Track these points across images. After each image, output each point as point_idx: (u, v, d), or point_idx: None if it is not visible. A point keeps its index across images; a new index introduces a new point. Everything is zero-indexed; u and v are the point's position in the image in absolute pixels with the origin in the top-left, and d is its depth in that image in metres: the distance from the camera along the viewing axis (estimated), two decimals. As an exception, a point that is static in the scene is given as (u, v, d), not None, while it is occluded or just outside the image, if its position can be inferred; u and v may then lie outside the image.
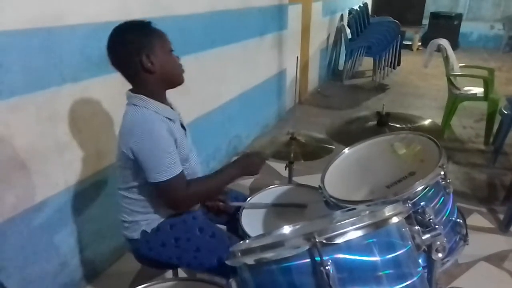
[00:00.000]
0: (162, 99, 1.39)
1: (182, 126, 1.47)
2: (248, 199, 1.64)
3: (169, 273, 1.85)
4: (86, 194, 1.96)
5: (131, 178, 1.37)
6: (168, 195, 1.33)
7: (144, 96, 1.33)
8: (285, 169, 2.11)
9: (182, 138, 1.40)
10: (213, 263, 1.37)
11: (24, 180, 1.64)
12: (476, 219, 2.62)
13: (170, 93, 1.44)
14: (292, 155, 1.98)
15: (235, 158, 1.55)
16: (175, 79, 1.40)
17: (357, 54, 6.22)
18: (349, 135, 1.86)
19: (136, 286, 1.20)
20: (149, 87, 1.34)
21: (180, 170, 1.32)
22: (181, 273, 1.67)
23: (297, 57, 4.47)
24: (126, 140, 1.29)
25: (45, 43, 1.64)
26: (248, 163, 1.50)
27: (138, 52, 1.29)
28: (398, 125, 1.83)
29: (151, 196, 1.39)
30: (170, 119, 1.36)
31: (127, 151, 1.29)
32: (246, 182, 3.10)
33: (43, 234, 1.77)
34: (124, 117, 1.34)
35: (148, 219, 1.43)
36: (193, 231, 1.43)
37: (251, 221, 1.50)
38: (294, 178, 2.20)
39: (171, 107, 1.44)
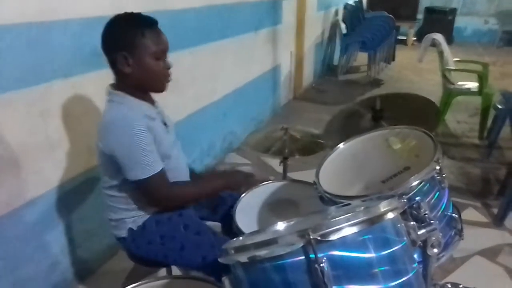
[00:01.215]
0: (142, 96, 1.36)
1: (164, 123, 1.43)
2: (242, 195, 1.62)
3: (162, 271, 1.83)
4: (78, 191, 1.93)
5: (112, 176, 1.35)
6: (149, 193, 1.31)
7: (121, 92, 1.31)
8: (280, 165, 2.10)
9: (162, 135, 1.36)
10: (198, 261, 1.36)
11: (15, 177, 1.62)
12: (471, 214, 2.62)
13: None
14: (286, 150, 1.96)
15: (226, 167, 1.53)
16: (151, 87, 1.36)
17: (352, 49, 6.21)
18: (344, 129, 1.85)
19: (129, 285, 1.18)
20: (127, 84, 1.32)
21: (160, 168, 1.29)
22: (175, 270, 1.66)
23: (291, 52, 4.45)
24: (103, 138, 1.27)
25: (37, 38, 1.61)
26: (235, 179, 1.49)
27: (118, 49, 1.26)
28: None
29: (133, 193, 1.37)
30: (148, 116, 1.32)
31: (105, 148, 1.27)
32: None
33: (35, 233, 1.75)
34: (103, 114, 1.32)
35: (133, 216, 1.41)
36: (178, 228, 1.41)
37: (245, 218, 1.49)
38: (289, 174, 2.19)
39: (153, 104, 1.41)
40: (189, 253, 1.38)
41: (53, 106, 1.74)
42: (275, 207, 1.58)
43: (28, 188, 1.68)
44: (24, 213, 1.67)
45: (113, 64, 1.30)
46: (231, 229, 1.49)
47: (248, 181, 1.53)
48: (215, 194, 1.49)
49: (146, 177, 1.25)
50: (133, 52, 1.26)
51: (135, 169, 1.25)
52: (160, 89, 1.37)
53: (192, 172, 1.58)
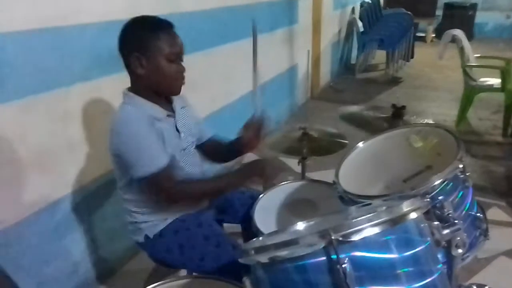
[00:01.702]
0: (155, 99, 1.36)
1: (177, 129, 1.42)
2: (261, 195, 1.62)
3: (183, 271, 1.84)
4: (99, 193, 1.96)
5: (121, 177, 1.36)
6: (154, 189, 1.27)
7: (132, 94, 1.33)
8: (298, 165, 2.09)
9: (170, 138, 1.35)
10: (218, 272, 1.33)
11: (38, 180, 1.65)
12: (495, 213, 2.55)
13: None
14: (305, 150, 1.95)
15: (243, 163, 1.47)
16: (164, 88, 1.36)
17: (369, 47, 6.13)
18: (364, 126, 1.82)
19: (151, 284, 1.19)
20: (141, 86, 1.33)
21: (165, 162, 1.25)
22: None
23: (308, 51, 4.42)
24: (110, 138, 1.29)
25: (55, 43, 1.64)
26: (252, 168, 1.40)
27: (132, 51, 1.27)
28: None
29: (141, 194, 1.35)
30: (152, 116, 1.31)
31: (112, 149, 1.29)
32: (259, 178, 3.08)
33: (58, 234, 1.78)
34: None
35: (147, 221, 1.40)
36: (198, 238, 1.39)
37: (265, 218, 1.48)
38: (307, 174, 2.17)
39: (165, 106, 1.39)
40: (209, 264, 1.36)
41: (73, 109, 1.77)
42: (294, 208, 1.57)
43: (51, 190, 1.71)
44: (46, 215, 1.70)
45: (128, 66, 1.31)
46: (251, 230, 1.48)
47: (265, 172, 1.39)
48: (231, 190, 1.43)
49: (148, 174, 1.23)
50: (146, 54, 1.27)
51: (137, 166, 1.23)
52: (173, 91, 1.37)
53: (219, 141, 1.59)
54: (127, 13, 1.75)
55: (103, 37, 1.82)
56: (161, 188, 1.26)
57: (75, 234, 1.87)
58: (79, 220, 1.88)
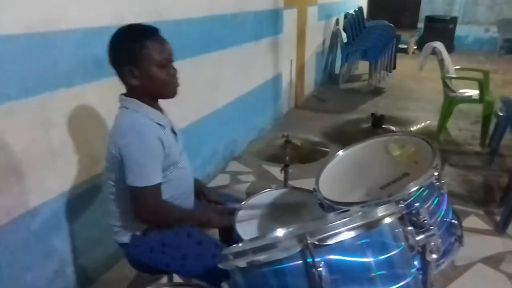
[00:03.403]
0: (153, 104, 1.39)
1: (173, 131, 1.47)
2: (243, 202, 1.63)
3: (164, 279, 1.83)
4: (80, 200, 1.94)
5: (118, 180, 1.36)
6: (139, 202, 1.32)
7: (135, 100, 1.34)
8: (281, 172, 2.11)
9: (172, 143, 1.40)
10: (199, 271, 1.36)
11: (18, 186, 1.63)
12: (473, 221, 2.61)
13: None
14: (287, 158, 1.97)
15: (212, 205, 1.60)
16: (161, 93, 1.38)
17: (353, 58, 6.24)
18: (344, 136, 1.85)
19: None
20: (138, 94, 1.35)
21: (158, 181, 1.31)
22: (177, 278, 1.66)
23: (291, 61, 4.47)
24: (115, 141, 1.30)
25: (39, 48, 1.63)
26: (210, 221, 1.48)
27: (123, 64, 1.30)
28: (392, 127, 1.84)
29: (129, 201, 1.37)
30: (160, 125, 1.36)
31: (116, 151, 1.29)
32: (242, 186, 3.10)
33: (37, 241, 1.75)
34: (115, 119, 1.35)
35: (136, 222, 1.42)
36: (181, 237, 1.42)
37: (246, 225, 1.49)
38: (290, 182, 2.19)
39: (162, 112, 1.44)
40: (191, 262, 1.38)
41: (56, 115, 1.75)
42: (276, 215, 1.58)
43: (31, 197, 1.69)
44: (26, 221, 1.68)
45: (122, 78, 1.34)
46: (230, 236, 1.49)
47: (222, 223, 1.51)
48: (193, 225, 1.48)
49: (143, 185, 1.28)
50: (137, 65, 1.29)
51: (134, 175, 1.27)
52: (171, 95, 1.39)
53: (195, 179, 1.59)
54: (112, 21, 1.76)
55: (87, 43, 1.82)
56: (146, 202, 1.31)
57: (55, 242, 1.85)
58: (58, 227, 1.86)
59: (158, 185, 1.32)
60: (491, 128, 3.70)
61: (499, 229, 2.51)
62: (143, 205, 1.32)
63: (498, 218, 2.60)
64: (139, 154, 1.27)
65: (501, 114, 3.33)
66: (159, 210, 1.35)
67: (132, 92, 1.36)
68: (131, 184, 1.28)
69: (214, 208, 1.56)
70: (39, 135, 1.69)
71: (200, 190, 1.64)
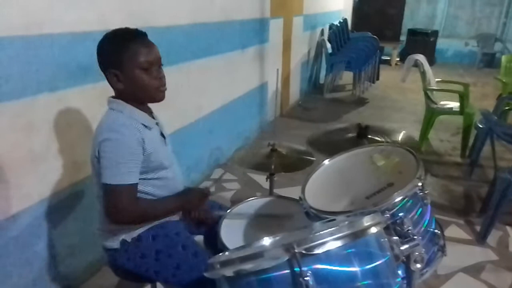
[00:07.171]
0: (140, 107, 1.38)
1: (162, 135, 1.46)
2: (228, 210, 1.62)
3: (148, 286, 1.80)
4: (62, 206, 1.90)
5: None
6: (111, 200, 1.26)
7: (121, 101, 1.34)
8: (266, 181, 2.11)
9: (159, 146, 1.39)
10: (192, 282, 1.34)
11: (-3, 192, 1.59)
12: (454, 231, 2.65)
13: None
14: (273, 166, 1.97)
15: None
16: (146, 98, 1.36)
17: (337, 68, 6.32)
18: (329, 146, 1.87)
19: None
20: (125, 97, 1.34)
21: (134, 182, 1.27)
22: (159, 286, 1.63)
23: (278, 70, 4.50)
24: (96, 139, 1.28)
25: (22, 52, 1.61)
26: (190, 197, 1.48)
27: (108, 68, 1.29)
28: (377, 138, 1.86)
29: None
30: (145, 126, 1.35)
31: (95, 150, 1.28)
32: (227, 194, 3.08)
33: (16, 248, 1.71)
34: (100, 119, 1.35)
35: (125, 227, 1.39)
36: (176, 247, 1.40)
37: (230, 233, 1.48)
38: (275, 190, 2.20)
39: (151, 114, 1.43)
40: (184, 273, 1.37)
41: (38, 120, 1.72)
42: (261, 223, 1.57)
43: (10, 203, 1.65)
44: (5, 228, 1.64)
45: (108, 81, 1.33)
46: (215, 245, 1.48)
47: (201, 200, 1.50)
48: (172, 214, 1.46)
49: (115, 183, 1.23)
50: (121, 68, 1.28)
51: (108, 172, 1.24)
52: (156, 98, 1.36)
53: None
54: (97, 26, 1.74)
55: (71, 48, 1.79)
56: (118, 201, 1.25)
57: (35, 249, 1.80)
58: (39, 234, 1.81)
59: (134, 185, 1.27)
60: (471, 139, 3.79)
61: (479, 239, 2.55)
62: (114, 204, 1.25)
63: (478, 228, 2.65)
64: (115, 152, 1.24)
65: (480, 126, 3.40)
66: (132, 211, 1.28)
67: (119, 95, 1.35)
68: (104, 182, 1.24)
69: (195, 194, 1.51)
70: (20, 140, 1.66)
71: None
